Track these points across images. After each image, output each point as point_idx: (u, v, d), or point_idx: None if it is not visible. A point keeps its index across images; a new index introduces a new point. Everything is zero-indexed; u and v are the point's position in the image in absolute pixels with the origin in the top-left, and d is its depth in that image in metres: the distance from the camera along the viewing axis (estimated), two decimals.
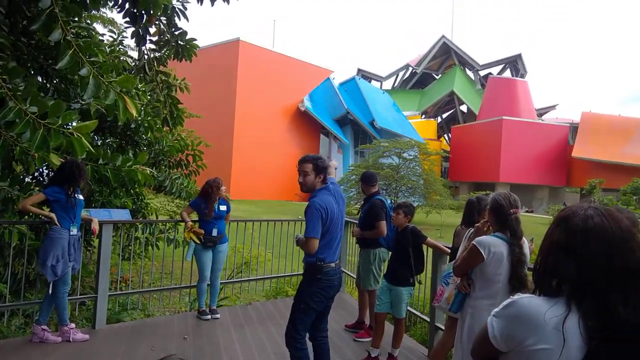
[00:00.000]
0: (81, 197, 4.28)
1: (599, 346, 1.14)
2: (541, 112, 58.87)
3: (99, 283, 4.68)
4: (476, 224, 3.11)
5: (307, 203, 3.41)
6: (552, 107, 64.03)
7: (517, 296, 1.27)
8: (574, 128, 45.85)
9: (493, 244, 2.72)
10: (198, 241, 5.08)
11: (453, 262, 3.23)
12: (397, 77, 64.89)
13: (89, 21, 5.77)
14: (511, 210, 2.78)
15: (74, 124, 3.35)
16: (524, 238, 2.89)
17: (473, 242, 2.80)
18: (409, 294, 4.40)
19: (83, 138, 3.05)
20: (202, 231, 5.10)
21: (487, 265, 2.73)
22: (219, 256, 5.30)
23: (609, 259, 1.18)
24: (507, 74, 58.89)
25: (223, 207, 5.32)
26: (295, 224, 6.55)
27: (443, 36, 58.77)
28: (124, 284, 6.02)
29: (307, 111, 37.67)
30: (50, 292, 4.11)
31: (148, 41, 4.65)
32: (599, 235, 1.20)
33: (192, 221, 5.31)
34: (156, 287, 5.87)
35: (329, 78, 40.80)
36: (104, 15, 7.66)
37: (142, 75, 5.06)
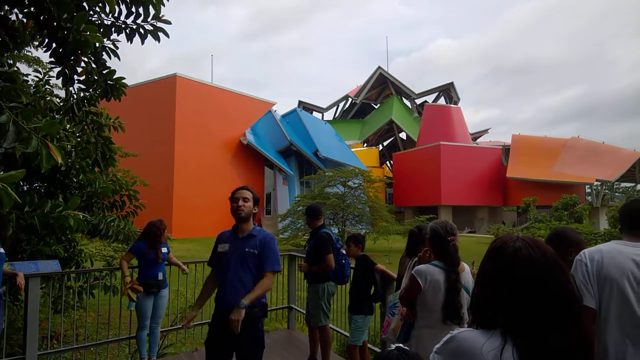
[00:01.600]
0: (2, 250, 3.96)
1: None
2: (475, 136, 61.50)
3: (27, 342, 4.30)
4: (419, 254, 3.12)
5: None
6: (485, 131, 67.08)
7: (457, 331, 1.30)
8: (506, 150, 48.07)
9: (429, 272, 2.73)
10: (134, 299, 4.83)
11: (399, 292, 3.22)
12: (337, 108, 66.20)
13: (11, 61, 5.48)
14: (449, 238, 2.79)
15: None
16: (464, 264, 2.91)
17: (412, 271, 2.82)
18: (364, 322, 4.46)
19: (9, 188, 2.81)
20: (141, 289, 4.86)
21: (425, 294, 2.73)
22: (160, 302, 5.08)
23: (538, 288, 1.22)
24: (442, 101, 61.31)
25: (164, 249, 5.14)
26: None
27: (379, 67, 60.67)
28: (55, 341, 5.58)
29: (249, 144, 37.49)
30: None
31: (76, 81, 4.44)
32: (527, 266, 1.25)
33: (132, 267, 5.05)
34: (92, 340, 5.49)
35: (270, 110, 40.97)
36: (29, 54, 7.33)
37: (70, 116, 4.82)
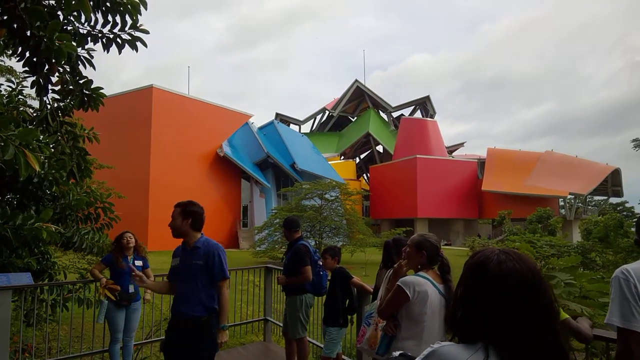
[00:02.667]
0: None
1: None
2: (451, 150, 62.33)
3: None
4: (394, 265, 3.12)
5: (226, 250, 3.48)
6: (461, 145, 68.03)
7: (437, 345, 1.25)
8: (481, 163, 48.81)
9: (417, 283, 2.71)
10: (114, 298, 4.77)
11: (376, 302, 3.22)
12: (314, 121, 66.41)
13: None
14: (441, 252, 2.84)
15: None
16: None
17: (397, 282, 2.78)
18: (338, 334, 4.48)
19: None
20: (119, 287, 4.81)
21: (412, 305, 2.71)
22: (133, 315, 5.03)
23: (525, 301, 1.20)
24: (418, 114, 62.02)
25: (139, 263, 5.07)
26: None
27: (356, 80, 61.17)
28: (27, 354, 5.44)
29: (226, 156, 37.30)
30: None
31: (50, 91, 4.38)
32: (514, 279, 1.22)
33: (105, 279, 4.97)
34: (65, 354, 5.35)
35: (247, 122, 40.90)
36: (1, 63, 7.20)
37: (44, 126, 4.75)
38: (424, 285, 2.72)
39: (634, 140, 32.22)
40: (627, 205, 52.51)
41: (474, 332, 1.23)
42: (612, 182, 46.72)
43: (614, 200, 51.34)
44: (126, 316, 4.96)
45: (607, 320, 1.88)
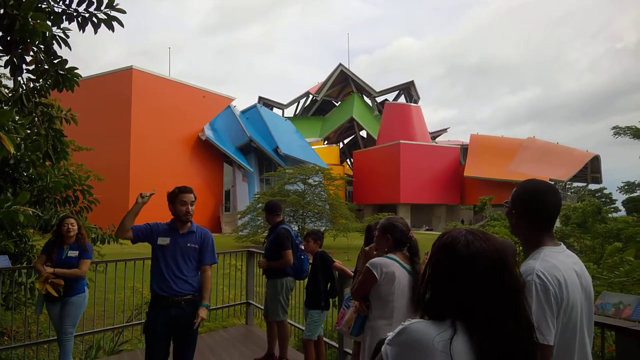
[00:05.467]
0: None
1: None
2: (434, 135, 62.58)
3: None
4: (364, 248, 3.19)
5: (213, 234, 3.85)
6: (444, 130, 68.43)
7: (408, 322, 1.28)
8: (464, 149, 49.11)
9: (384, 264, 2.80)
10: (56, 294, 4.27)
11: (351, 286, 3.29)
12: (298, 105, 66.05)
13: None
14: (410, 234, 2.89)
15: None
16: None
17: (366, 264, 2.87)
18: (320, 317, 4.53)
19: None
20: (62, 282, 4.32)
21: (380, 286, 2.79)
22: (69, 309, 4.47)
23: (492, 279, 1.23)
24: (402, 100, 62.04)
25: (73, 253, 4.53)
26: None
27: (340, 64, 60.86)
28: (6, 338, 5.40)
29: (208, 140, 36.96)
30: None
31: (25, 70, 4.28)
32: (481, 258, 1.25)
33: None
34: (45, 337, 5.31)
35: (229, 106, 40.49)
36: None
37: (19, 107, 4.64)
38: (391, 266, 2.80)
39: (613, 128, 32.55)
40: (605, 191, 53.33)
41: (442, 310, 1.26)
42: (591, 169, 47.45)
43: (593, 186, 52.18)
44: (61, 310, 4.48)
45: (541, 339, 1.51)
